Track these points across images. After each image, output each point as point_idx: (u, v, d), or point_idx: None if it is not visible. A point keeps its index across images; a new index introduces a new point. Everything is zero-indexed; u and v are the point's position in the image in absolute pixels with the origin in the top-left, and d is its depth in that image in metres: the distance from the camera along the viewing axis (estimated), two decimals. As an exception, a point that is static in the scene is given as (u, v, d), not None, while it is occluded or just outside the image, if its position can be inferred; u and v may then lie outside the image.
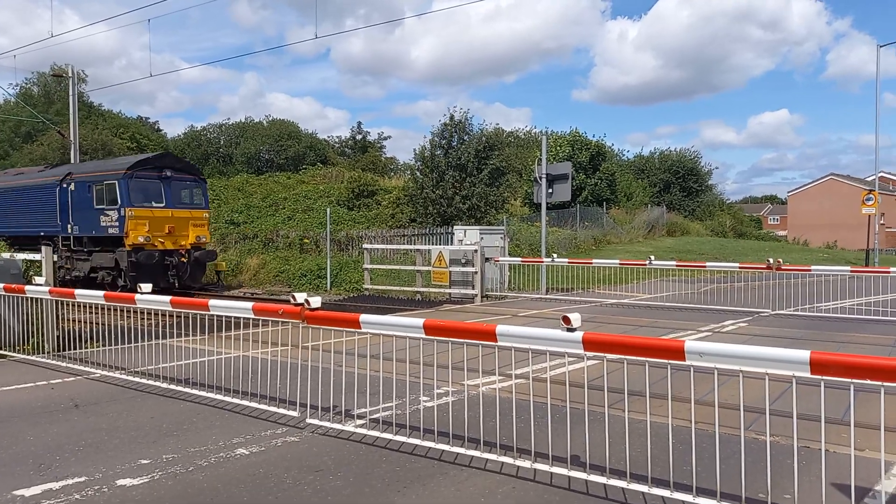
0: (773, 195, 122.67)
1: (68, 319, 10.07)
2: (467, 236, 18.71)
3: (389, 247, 24.03)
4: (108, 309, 8.69)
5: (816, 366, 3.80)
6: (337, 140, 65.21)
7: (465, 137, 30.81)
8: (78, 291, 8.99)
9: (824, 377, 3.83)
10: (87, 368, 8.53)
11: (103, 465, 5.07)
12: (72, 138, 26.74)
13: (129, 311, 8.48)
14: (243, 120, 60.41)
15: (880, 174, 52.23)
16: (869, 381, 3.72)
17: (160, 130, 59.44)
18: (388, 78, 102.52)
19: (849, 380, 3.77)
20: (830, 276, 17.69)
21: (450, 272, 17.94)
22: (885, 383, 3.67)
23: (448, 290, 17.97)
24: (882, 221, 54.60)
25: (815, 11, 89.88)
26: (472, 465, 5.01)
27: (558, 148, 39.46)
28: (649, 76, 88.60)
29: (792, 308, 14.40)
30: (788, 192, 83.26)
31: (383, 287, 20.10)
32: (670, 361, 4.32)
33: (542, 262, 18.34)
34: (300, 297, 6.18)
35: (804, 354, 3.85)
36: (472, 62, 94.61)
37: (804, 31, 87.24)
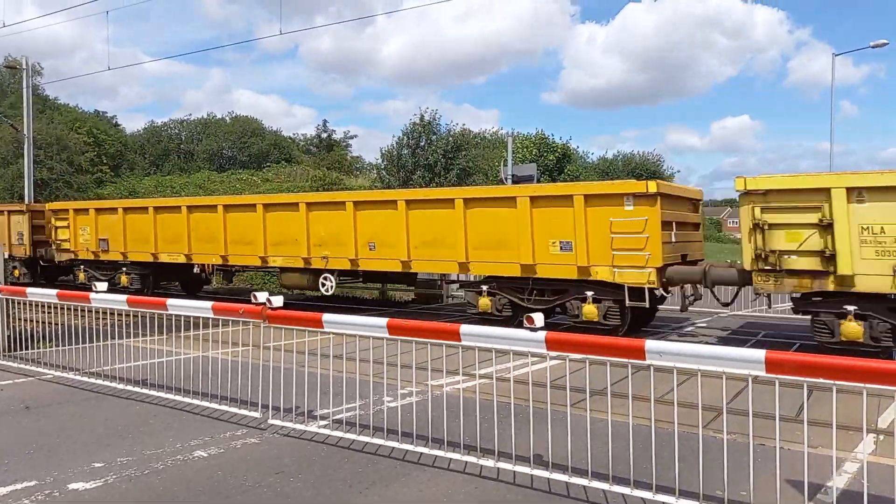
0: (733, 199, 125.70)
1: (20, 319, 9.73)
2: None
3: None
4: (62, 308, 8.43)
5: (772, 365, 3.88)
6: (302, 138, 64.57)
7: (433, 137, 30.87)
8: (30, 290, 8.72)
9: (779, 376, 3.92)
10: (39, 369, 8.27)
11: (55, 469, 4.91)
12: (25, 132, 25.92)
13: (83, 311, 8.24)
14: (206, 116, 59.34)
15: (834, 179, 53.22)
16: (822, 380, 3.82)
17: (118, 125, 57.90)
18: (358, 76, 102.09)
19: (803, 378, 3.87)
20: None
21: (417, 272, 17.85)
22: (837, 382, 3.77)
23: (415, 290, 17.89)
24: (835, 225, 56.03)
25: (778, 20, 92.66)
26: (435, 465, 4.99)
27: (525, 150, 39.72)
28: (616, 80, 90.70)
29: (750, 308, 14.72)
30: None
31: (349, 286, 19.94)
32: (631, 361, 4.37)
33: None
34: (261, 296, 6.08)
35: (760, 354, 3.93)
36: (443, 62, 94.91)
37: (767, 39, 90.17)
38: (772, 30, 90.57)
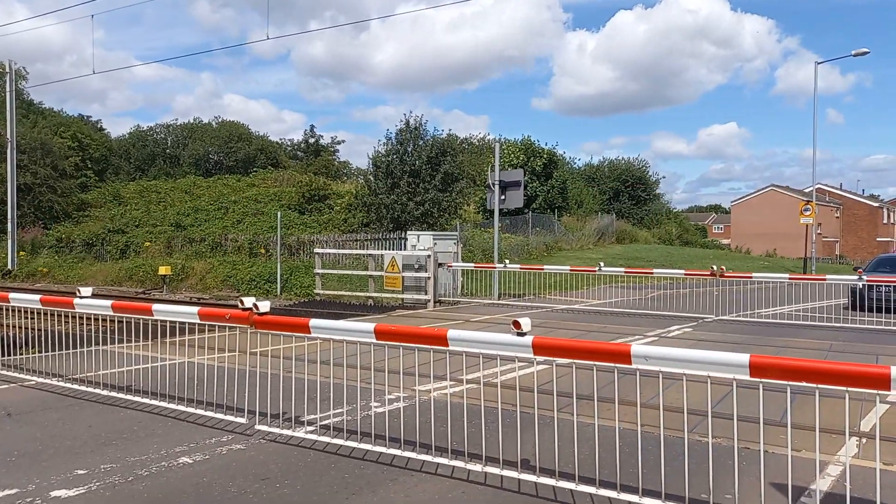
0: (717, 205, 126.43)
1: (2, 325, 9.61)
2: (420, 241, 18.68)
3: (342, 252, 23.78)
4: (46, 314, 8.34)
5: (755, 369, 3.92)
6: (289, 143, 64.39)
7: (420, 142, 30.85)
8: (13, 295, 8.60)
9: (763, 380, 3.95)
10: (21, 375, 8.16)
11: (37, 476, 4.85)
12: (9, 136, 25.67)
13: (67, 316, 8.16)
14: (192, 121, 59.04)
15: (818, 186, 54.33)
16: (805, 384, 3.86)
17: (103, 129, 57.41)
18: (349, 82, 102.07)
19: (786, 382, 3.91)
20: (770, 283, 18.48)
21: (402, 277, 17.88)
22: (820, 385, 3.82)
23: (401, 296, 17.90)
24: (819, 231, 56.89)
25: (766, 29, 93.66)
26: (422, 469, 4.98)
27: (511, 155, 39.86)
28: (606, 88, 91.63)
29: (734, 314, 14.86)
30: (732, 202, 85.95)
31: (335, 292, 19.90)
32: (617, 365, 4.40)
33: (495, 267, 18.46)
34: (248, 301, 6.05)
35: (744, 358, 3.96)
36: (435, 69, 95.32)
37: (755, 48, 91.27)
38: (760, 39, 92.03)
